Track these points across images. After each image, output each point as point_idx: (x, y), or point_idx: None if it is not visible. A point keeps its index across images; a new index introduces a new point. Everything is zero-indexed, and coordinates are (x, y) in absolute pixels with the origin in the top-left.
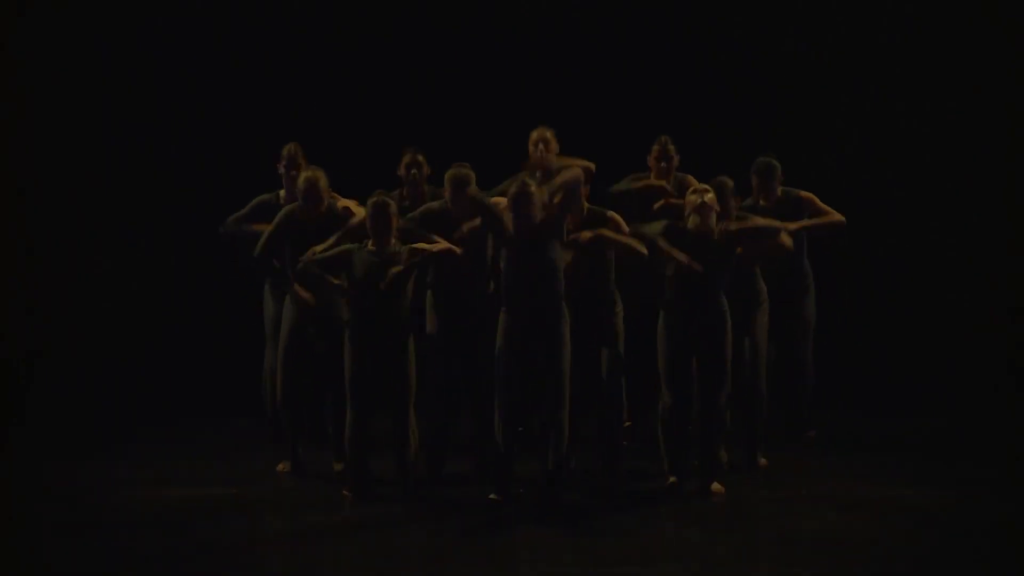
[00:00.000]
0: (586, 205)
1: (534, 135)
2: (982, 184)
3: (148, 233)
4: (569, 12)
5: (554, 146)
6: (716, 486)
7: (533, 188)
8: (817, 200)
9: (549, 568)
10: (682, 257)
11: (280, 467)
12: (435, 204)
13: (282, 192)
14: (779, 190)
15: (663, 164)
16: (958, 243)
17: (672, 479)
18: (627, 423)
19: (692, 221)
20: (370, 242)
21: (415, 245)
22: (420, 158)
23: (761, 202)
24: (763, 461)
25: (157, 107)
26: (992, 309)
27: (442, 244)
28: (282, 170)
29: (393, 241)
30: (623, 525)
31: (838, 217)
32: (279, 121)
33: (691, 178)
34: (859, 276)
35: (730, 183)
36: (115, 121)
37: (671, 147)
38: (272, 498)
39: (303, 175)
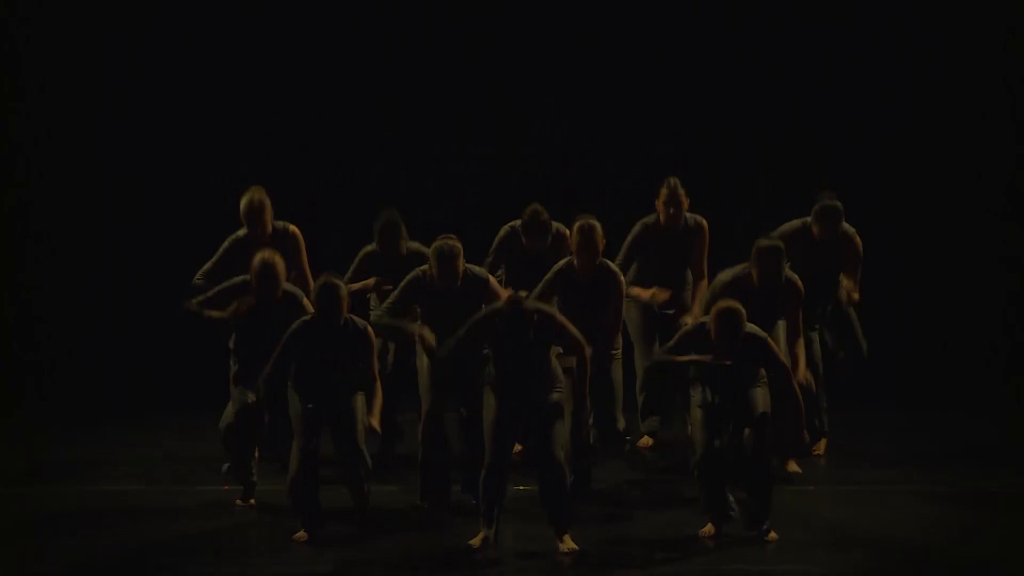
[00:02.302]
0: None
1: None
2: (984, 183)
3: (148, 232)
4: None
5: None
6: (772, 534)
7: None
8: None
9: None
10: (704, 357)
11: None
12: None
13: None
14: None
15: (672, 210)
16: (959, 242)
17: (710, 528)
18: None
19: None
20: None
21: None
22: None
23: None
24: (795, 467)
25: (155, 107)
26: (992, 306)
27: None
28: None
29: (345, 319)
30: (636, 527)
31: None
32: (276, 123)
33: (703, 221)
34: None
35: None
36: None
37: (681, 191)
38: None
39: (248, 195)
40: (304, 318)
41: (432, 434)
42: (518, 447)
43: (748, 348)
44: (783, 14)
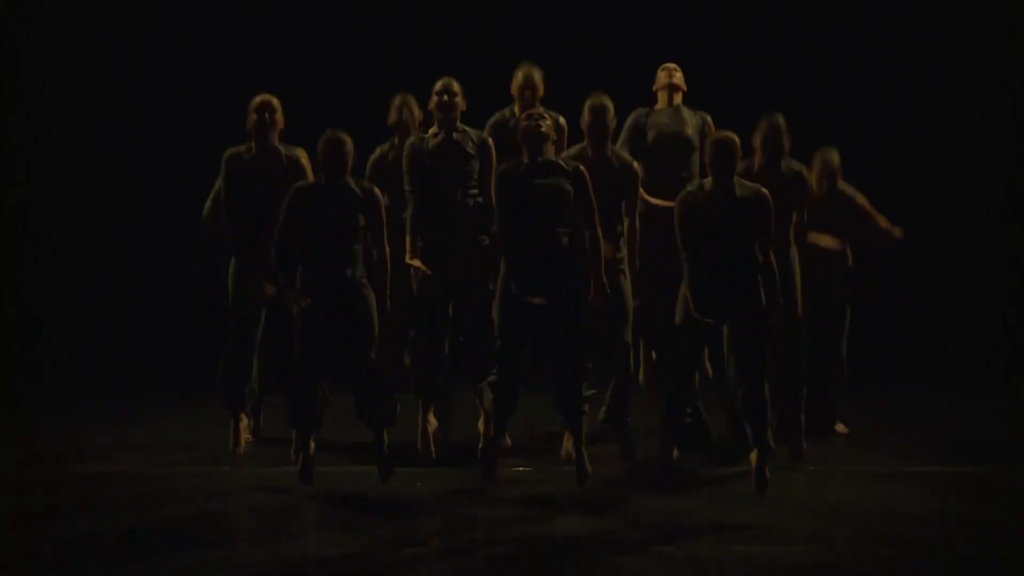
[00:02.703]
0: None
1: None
2: (984, 183)
3: (148, 232)
4: None
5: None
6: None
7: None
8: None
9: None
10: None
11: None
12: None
13: None
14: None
15: (669, 90)
16: (959, 242)
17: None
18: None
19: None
20: (321, 178)
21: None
22: (411, 101)
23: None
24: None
25: (155, 107)
26: (992, 306)
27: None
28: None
29: (348, 179)
30: (632, 509)
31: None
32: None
33: (709, 119)
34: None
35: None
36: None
37: (677, 74)
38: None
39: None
40: (301, 182)
41: (425, 342)
42: (508, 443)
43: (747, 202)
44: (783, 13)
